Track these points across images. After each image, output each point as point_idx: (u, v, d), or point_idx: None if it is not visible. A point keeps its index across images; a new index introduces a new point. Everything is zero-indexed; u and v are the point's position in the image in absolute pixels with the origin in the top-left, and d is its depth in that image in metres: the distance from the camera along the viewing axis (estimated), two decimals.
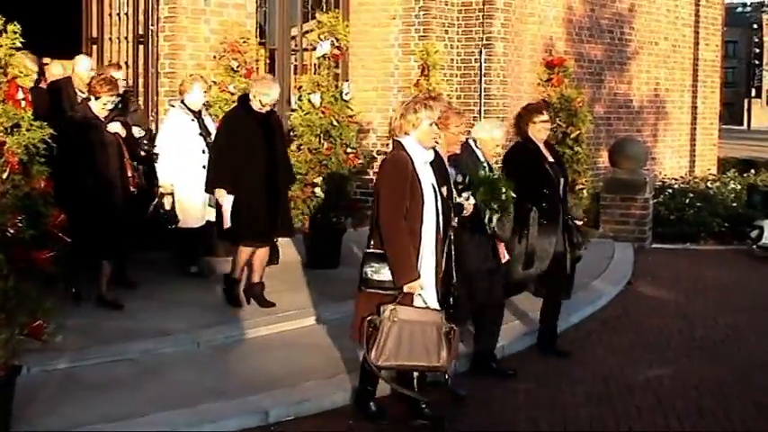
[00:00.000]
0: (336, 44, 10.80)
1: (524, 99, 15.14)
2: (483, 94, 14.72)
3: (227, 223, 8.53)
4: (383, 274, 6.08)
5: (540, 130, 8.05)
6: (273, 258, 9.76)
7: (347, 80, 12.78)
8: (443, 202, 6.33)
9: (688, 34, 19.83)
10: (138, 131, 9.09)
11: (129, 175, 8.51)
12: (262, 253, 8.85)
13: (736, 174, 19.44)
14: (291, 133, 10.83)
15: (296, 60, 13.89)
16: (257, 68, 11.50)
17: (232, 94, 10.38)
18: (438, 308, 6.21)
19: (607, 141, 16.49)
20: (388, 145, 13.85)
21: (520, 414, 6.81)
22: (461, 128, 7.23)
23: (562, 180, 8.16)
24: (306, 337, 8.20)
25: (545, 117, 8.12)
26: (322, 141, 10.75)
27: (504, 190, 7.25)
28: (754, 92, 70.19)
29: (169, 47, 11.37)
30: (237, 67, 10.84)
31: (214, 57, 11.30)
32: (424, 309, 6.12)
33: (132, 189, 8.57)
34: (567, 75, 9.97)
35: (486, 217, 7.21)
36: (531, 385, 7.41)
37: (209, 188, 8.73)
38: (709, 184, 17.60)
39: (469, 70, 14.78)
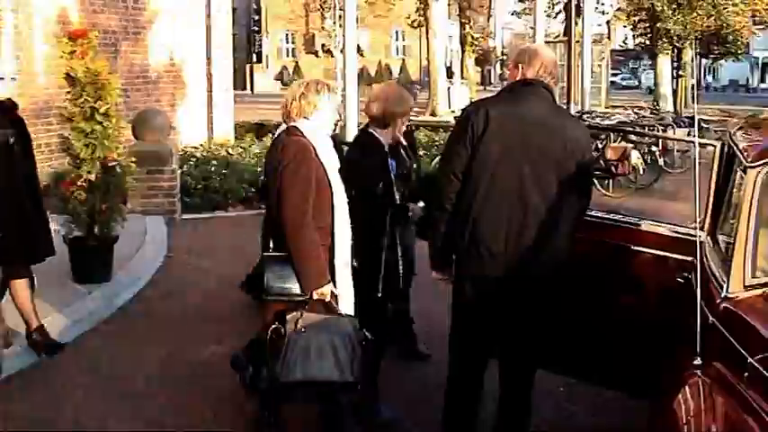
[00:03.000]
0: None
1: (41, 74, 14.44)
2: None
3: None
4: (288, 279, 5.24)
5: None
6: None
7: None
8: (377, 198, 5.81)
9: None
10: None
11: None
12: (24, 285, 7.17)
13: (254, 138, 20.08)
14: None
15: None
16: None
17: None
18: (352, 315, 5.41)
19: (126, 114, 16.15)
20: None
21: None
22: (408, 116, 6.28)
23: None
24: None
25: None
26: None
27: None
28: (255, 57, 72.65)
29: None
30: None
31: None
32: (336, 316, 5.30)
33: None
34: (92, 47, 9.50)
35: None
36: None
37: None
38: (230, 150, 17.94)
39: None
